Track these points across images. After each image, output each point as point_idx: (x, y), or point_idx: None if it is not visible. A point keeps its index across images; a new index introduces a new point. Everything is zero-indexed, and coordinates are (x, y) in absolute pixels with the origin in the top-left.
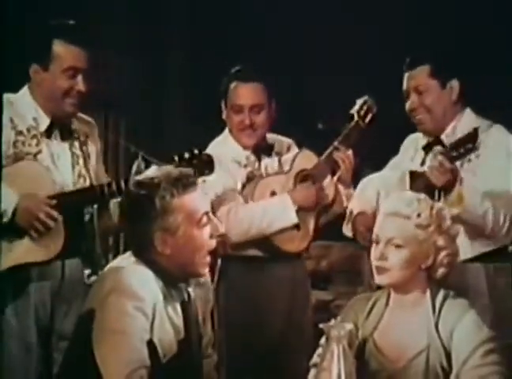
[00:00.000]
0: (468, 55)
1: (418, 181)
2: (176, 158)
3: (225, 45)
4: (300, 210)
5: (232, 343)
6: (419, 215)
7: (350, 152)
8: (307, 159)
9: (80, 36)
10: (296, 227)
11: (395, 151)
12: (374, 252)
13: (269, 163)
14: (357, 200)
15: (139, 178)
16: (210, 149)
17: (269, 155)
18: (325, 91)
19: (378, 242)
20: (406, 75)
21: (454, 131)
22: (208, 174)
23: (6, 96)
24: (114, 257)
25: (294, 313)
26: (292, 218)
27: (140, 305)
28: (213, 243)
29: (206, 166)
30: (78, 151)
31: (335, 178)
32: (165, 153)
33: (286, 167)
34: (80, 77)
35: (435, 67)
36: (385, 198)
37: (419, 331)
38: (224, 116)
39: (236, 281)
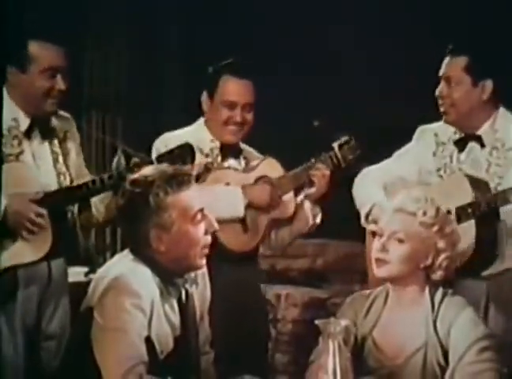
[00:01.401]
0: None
1: (481, 189)
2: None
3: (225, 44)
4: (250, 207)
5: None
6: (424, 214)
7: (328, 173)
8: (271, 167)
9: (54, 34)
10: (243, 225)
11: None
12: (376, 244)
13: (233, 164)
14: (364, 194)
15: (134, 176)
16: (178, 131)
17: (237, 158)
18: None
19: (381, 235)
20: (445, 60)
21: (494, 130)
22: (190, 162)
23: None
24: (112, 255)
25: (248, 313)
26: (239, 210)
27: (138, 302)
28: (208, 239)
29: (187, 155)
30: (58, 149)
31: (302, 194)
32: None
33: (248, 169)
34: (59, 76)
35: (473, 62)
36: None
37: (417, 328)
38: (204, 107)
39: None
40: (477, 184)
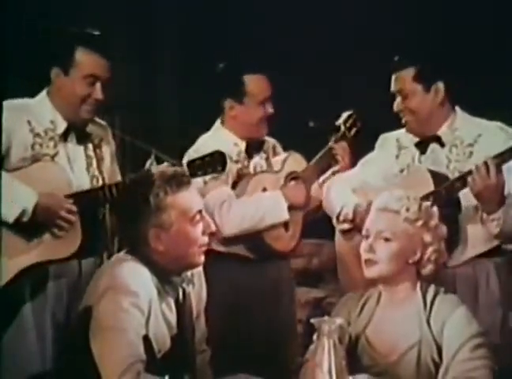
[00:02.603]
0: (453, 57)
1: (441, 181)
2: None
3: (221, 44)
4: (290, 208)
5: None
6: (407, 210)
7: (347, 146)
8: (297, 162)
9: (102, 46)
10: (285, 226)
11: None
12: (364, 245)
13: (258, 161)
14: (335, 198)
15: (134, 176)
16: (201, 144)
17: (258, 152)
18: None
19: (368, 236)
20: (393, 76)
21: (453, 128)
22: (221, 170)
23: (24, 100)
24: (109, 255)
25: (280, 312)
26: (284, 214)
27: (136, 302)
28: (206, 239)
29: (218, 162)
30: (92, 154)
31: (329, 172)
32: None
33: (276, 168)
34: (98, 85)
35: (420, 70)
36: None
37: (410, 326)
38: (232, 112)
39: (223, 279)
40: (438, 177)
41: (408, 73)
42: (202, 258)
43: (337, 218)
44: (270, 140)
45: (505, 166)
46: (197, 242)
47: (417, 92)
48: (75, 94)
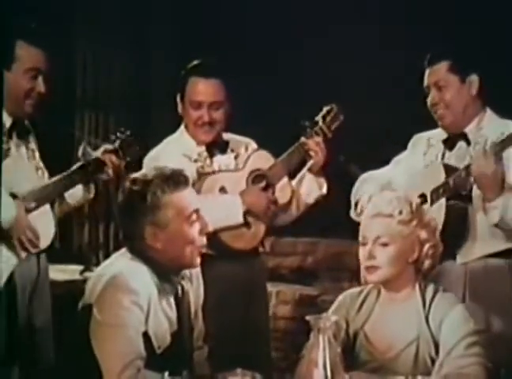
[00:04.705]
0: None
1: (454, 175)
2: (113, 137)
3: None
4: (249, 213)
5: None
6: (400, 213)
7: (320, 140)
8: (262, 159)
9: (41, 38)
10: (247, 224)
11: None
12: (363, 252)
13: (223, 160)
14: (359, 190)
15: (134, 175)
16: (163, 144)
17: (224, 152)
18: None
19: (365, 244)
20: (427, 71)
21: (479, 127)
22: (133, 156)
23: None
24: (105, 254)
25: (251, 309)
26: (239, 218)
27: (135, 299)
28: (204, 239)
29: (130, 148)
30: (33, 146)
31: (305, 168)
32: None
33: (239, 165)
34: (40, 79)
35: (454, 62)
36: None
37: (409, 323)
38: (179, 111)
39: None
40: (451, 170)
41: (443, 65)
42: (198, 260)
43: (355, 208)
44: (243, 140)
45: (506, 154)
46: (193, 242)
47: (453, 83)
48: (18, 88)
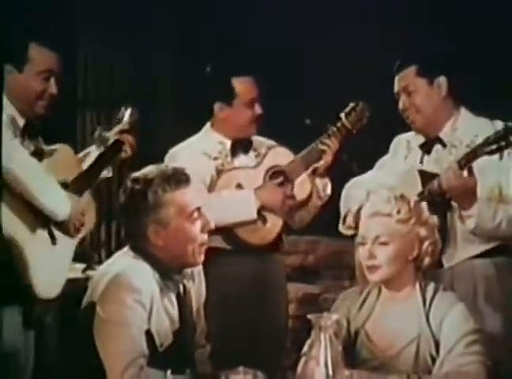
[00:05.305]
0: (454, 53)
1: (428, 180)
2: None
3: (214, 44)
4: (264, 208)
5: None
6: (398, 212)
7: (336, 145)
8: (281, 156)
9: (55, 40)
10: (263, 220)
11: (383, 150)
12: (363, 252)
13: (244, 159)
14: (347, 200)
15: (135, 174)
16: (185, 143)
17: (247, 152)
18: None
19: (364, 243)
20: (396, 78)
21: (454, 128)
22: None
23: None
24: (107, 252)
25: (266, 306)
26: (252, 213)
27: (138, 298)
28: (205, 237)
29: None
30: (43, 146)
31: (310, 169)
32: (154, 152)
33: (257, 162)
34: (52, 80)
35: (422, 66)
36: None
37: (409, 322)
38: (220, 115)
39: (217, 272)
40: (427, 178)
41: (411, 70)
42: (201, 258)
43: (343, 222)
44: (266, 142)
45: (476, 164)
46: (195, 240)
47: (421, 87)
48: (30, 90)
